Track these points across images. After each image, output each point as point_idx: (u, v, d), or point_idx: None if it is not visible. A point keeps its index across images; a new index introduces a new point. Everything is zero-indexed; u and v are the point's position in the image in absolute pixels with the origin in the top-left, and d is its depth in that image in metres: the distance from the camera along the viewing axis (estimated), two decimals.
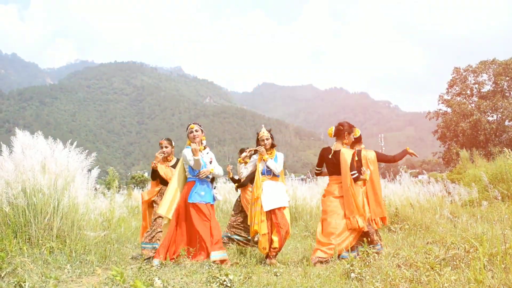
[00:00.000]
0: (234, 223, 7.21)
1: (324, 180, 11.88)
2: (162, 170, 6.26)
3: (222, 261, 5.00)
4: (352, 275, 3.70)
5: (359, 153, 5.94)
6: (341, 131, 5.63)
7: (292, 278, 3.92)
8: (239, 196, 7.44)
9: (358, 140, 6.07)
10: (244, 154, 6.05)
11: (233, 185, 8.33)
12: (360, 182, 5.61)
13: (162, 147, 6.34)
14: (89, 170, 6.04)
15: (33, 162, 5.30)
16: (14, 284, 3.60)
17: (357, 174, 5.44)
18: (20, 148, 5.45)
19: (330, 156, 5.59)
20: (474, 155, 15.91)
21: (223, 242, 6.44)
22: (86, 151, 6.09)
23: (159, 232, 5.94)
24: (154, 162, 6.18)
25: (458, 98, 25.90)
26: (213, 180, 5.70)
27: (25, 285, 3.52)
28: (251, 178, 6.59)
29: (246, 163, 6.04)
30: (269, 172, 5.56)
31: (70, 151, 5.81)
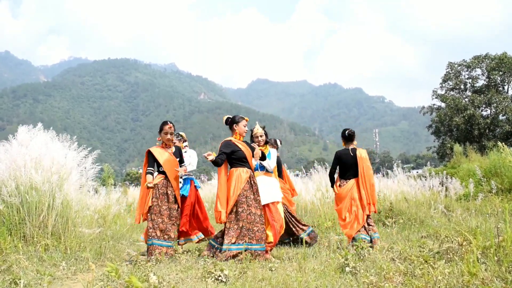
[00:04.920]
0: None
1: (320, 176, 11.84)
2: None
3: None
4: (347, 269, 3.72)
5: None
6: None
7: (287, 273, 3.93)
8: None
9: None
10: None
11: None
12: None
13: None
14: (85, 167, 6.03)
15: (26, 159, 5.28)
16: (9, 282, 3.59)
17: None
18: (15, 146, 5.43)
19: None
20: (468, 150, 15.96)
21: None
22: (84, 146, 6.11)
23: None
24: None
25: (452, 93, 25.88)
26: None
27: (20, 282, 3.51)
28: None
29: None
30: (262, 168, 5.67)
31: (70, 148, 5.83)
